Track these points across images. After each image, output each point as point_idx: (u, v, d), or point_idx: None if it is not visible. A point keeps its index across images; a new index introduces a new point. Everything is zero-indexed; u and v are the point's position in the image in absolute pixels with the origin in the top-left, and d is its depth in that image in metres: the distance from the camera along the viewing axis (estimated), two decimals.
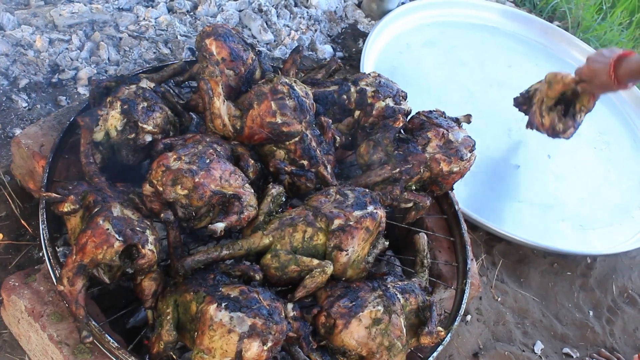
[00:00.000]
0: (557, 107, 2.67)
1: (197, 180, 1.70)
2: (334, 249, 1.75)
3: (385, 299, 1.72)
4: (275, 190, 1.85)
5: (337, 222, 1.76)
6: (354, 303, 1.69)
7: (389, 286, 1.77)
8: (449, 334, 1.92)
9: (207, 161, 1.75)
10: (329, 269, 1.70)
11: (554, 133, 2.70)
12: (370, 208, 1.82)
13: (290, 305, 1.62)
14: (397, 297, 1.75)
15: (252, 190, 1.79)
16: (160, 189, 1.70)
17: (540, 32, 3.89)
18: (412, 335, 1.77)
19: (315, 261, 1.71)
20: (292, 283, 1.75)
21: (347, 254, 1.75)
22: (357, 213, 1.79)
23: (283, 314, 1.56)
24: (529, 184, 2.97)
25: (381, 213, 1.84)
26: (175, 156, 1.74)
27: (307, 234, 1.75)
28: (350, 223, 1.76)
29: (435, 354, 1.87)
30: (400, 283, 1.82)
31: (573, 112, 2.68)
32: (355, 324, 1.67)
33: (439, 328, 1.76)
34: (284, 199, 1.87)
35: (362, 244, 1.78)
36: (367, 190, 1.90)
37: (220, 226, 1.66)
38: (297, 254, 1.73)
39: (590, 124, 3.49)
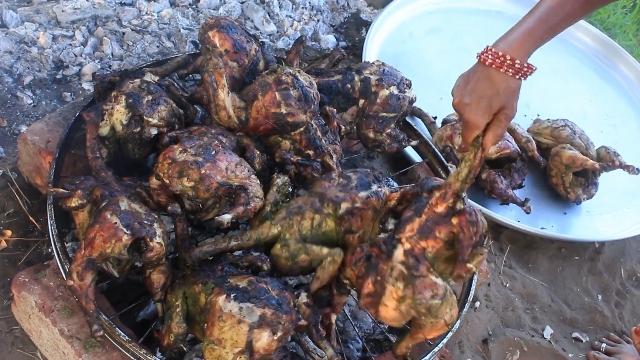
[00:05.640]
0: (579, 179, 2.87)
1: (203, 171, 1.70)
2: (345, 233, 1.75)
3: (407, 265, 1.58)
4: (280, 180, 1.85)
5: (344, 206, 1.75)
6: (375, 289, 1.60)
7: (407, 242, 1.61)
8: (458, 321, 1.92)
9: (213, 153, 1.75)
10: (339, 257, 1.70)
11: (579, 200, 2.94)
12: (375, 187, 1.81)
13: (304, 294, 1.63)
14: (416, 256, 1.58)
15: (258, 181, 1.79)
16: (167, 181, 1.71)
17: None
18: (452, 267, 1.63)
19: (325, 250, 1.70)
20: (303, 273, 1.75)
21: (359, 236, 1.75)
22: (363, 194, 1.79)
23: (292, 303, 1.56)
24: (535, 170, 2.96)
25: (385, 190, 1.83)
26: (180, 148, 1.74)
27: (315, 221, 1.75)
28: (357, 205, 1.76)
29: (444, 341, 1.88)
30: (418, 223, 1.62)
31: (593, 179, 2.91)
32: (384, 310, 1.61)
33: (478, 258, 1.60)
34: (290, 189, 1.87)
35: (371, 223, 1.79)
36: (369, 170, 1.89)
37: (227, 218, 1.66)
38: (306, 242, 1.73)
39: (597, 107, 3.48)
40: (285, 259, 1.72)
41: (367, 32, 3.18)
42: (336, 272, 1.70)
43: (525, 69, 1.55)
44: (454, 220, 1.60)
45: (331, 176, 1.87)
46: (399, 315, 1.60)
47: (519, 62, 1.53)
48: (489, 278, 2.64)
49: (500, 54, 1.54)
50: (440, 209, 1.62)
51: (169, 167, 1.71)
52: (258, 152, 1.90)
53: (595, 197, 2.93)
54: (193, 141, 1.77)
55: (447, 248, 1.60)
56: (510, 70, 1.54)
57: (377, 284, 1.59)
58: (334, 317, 1.75)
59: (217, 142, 1.79)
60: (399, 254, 1.59)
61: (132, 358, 1.63)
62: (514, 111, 1.59)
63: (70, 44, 2.67)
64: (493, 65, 1.54)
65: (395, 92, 2.21)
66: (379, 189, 1.81)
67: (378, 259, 1.60)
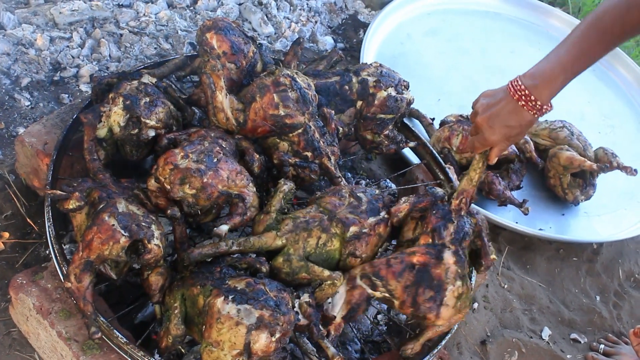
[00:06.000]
0: (577, 180, 2.87)
1: (205, 180, 1.70)
2: (348, 256, 1.76)
3: (459, 265, 1.74)
4: (286, 186, 1.85)
5: (352, 230, 1.76)
6: (436, 293, 1.70)
7: (450, 246, 1.77)
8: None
9: (215, 160, 1.75)
10: (339, 282, 1.71)
11: (577, 202, 2.92)
12: (383, 213, 1.83)
13: (306, 294, 1.63)
14: (462, 255, 1.77)
15: (255, 190, 1.80)
16: (168, 187, 1.71)
17: (542, 16, 3.88)
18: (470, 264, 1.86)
19: (326, 272, 1.70)
20: (301, 285, 1.76)
21: (361, 260, 1.77)
22: (372, 220, 1.80)
23: (290, 304, 1.56)
24: (533, 171, 2.96)
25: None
26: (182, 153, 1.74)
27: (321, 240, 1.74)
28: (365, 230, 1.77)
29: (443, 343, 1.88)
30: (453, 228, 1.80)
31: (591, 180, 2.90)
32: (445, 311, 1.71)
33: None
34: (293, 195, 1.88)
35: (374, 249, 1.80)
36: (379, 194, 1.90)
37: (224, 229, 1.66)
38: (309, 260, 1.73)
39: (595, 108, 3.49)
40: (285, 274, 1.71)
41: (364, 34, 3.18)
42: (334, 293, 1.73)
43: (546, 109, 1.73)
44: (474, 220, 1.85)
45: (342, 193, 1.87)
46: (454, 313, 1.73)
47: (546, 107, 1.71)
48: (487, 279, 2.64)
49: (532, 97, 1.69)
50: (464, 212, 1.85)
51: (171, 173, 1.70)
52: (257, 156, 1.90)
53: (593, 198, 2.93)
54: (194, 146, 1.77)
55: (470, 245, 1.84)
56: (537, 112, 1.71)
57: (435, 288, 1.70)
58: (340, 328, 1.74)
59: (218, 148, 1.79)
60: (448, 256, 1.74)
61: None
62: (524, 137, 1.84)
63: (68, 46, 2.67)
64: (525, 107, 1.70)
65: (393, 93, 2.21)
66: (387, 216, 1.83)
67: (427, 266, 1.71)
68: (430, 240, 1.78)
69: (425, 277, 1.71)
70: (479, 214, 1.88)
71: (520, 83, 1.70)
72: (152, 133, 1.88)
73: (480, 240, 1.84)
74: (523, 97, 1.69)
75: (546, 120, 2.97)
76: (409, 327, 2.03)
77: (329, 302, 1.71)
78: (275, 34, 3.13)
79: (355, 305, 1.72)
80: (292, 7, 3.29)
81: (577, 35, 1.70)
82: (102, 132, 1.87)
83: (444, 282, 1.70)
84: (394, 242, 1.98)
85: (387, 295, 1.73)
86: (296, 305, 1.60)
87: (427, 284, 1.70)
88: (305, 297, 1.62)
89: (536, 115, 1.72)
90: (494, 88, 1.80)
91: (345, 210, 1.81)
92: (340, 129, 2.13)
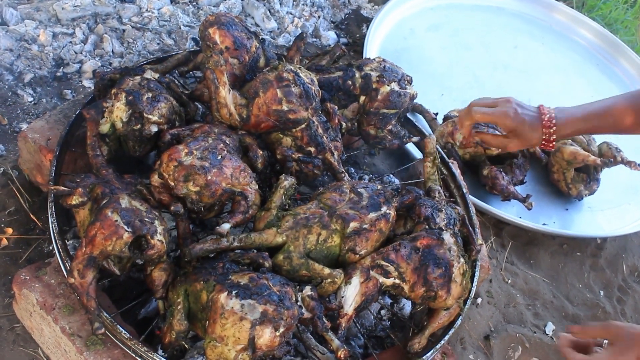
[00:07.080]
0: (581, 175, 2.88)
1: (209, 178, 1.70)
2: (348, 251, 1.76)
3: (458, 245, 1.86)
4: (287, 182, 1.84)
5: (352, 225, 1.76)
6: (444, 270, 1.78)
7: (446, 230, 1.88)
8: (460, 317, 1.92)
9: (219, 157, 1.74)
10: (339, 279, 1.71)
11: (580, 196, 2.94)
12: (384, 209, 1.83)
13: (308, 287, 1.63)
14: (459, 236, 1.90)
15: (257, 187, 1.79)
16: (172, 183, 1.70)
17: (546, 10, 3.87)
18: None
19: (327, 270, 1.70)
20: (302, 281, 1.76)
21: (360, 256, 1.76)
22: (372, 215, 1.79)
23: (294, 299, 1.56)
24: (536, 166, 2.95)
25: (393, 213, 1.85)
26: (186, 150, 1.73)
27: (321, 236, 1.74)
28: (365, 226, 1.77)
29: (446, 337, 1.88)
30: (444, 215, 1.93)
31: (595, 175, 2.92)
32: (454, 287, 1.80)
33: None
34: (294, 190, 1.87)
35: (374, 244, 1.80)
36: (381, 189, 1.89)
37: (226, 227, 1.66)
38: (309, 257, 1.72)
39: None
40: (286, 272, 1.71)
41: (367, 29, 3.18)
42: (335, 291, 1.74)
43: (552, 144, 1.98)
44: (456, 210, 2.00)
45: (342, 189, 1.86)
46: (461, 290, 1.83)
47: (553, 138, 1.96)
48: (491, 274, 2.64)
49: (553, 130, 1.95)
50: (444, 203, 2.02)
51: (175, 170, 1.70)
52: (260, 152, 1.89)
53: (597, 193, 2.93)
54: (198, 142, 1.77)
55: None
56: (546, 138, 1.97)
57: (442, 265, 1.78)
58: (351, 320, 1.74)
59: (222, 144, 1.79)
60: (448, 237, 1.84)
61: (134, 356, 1.63)
62: (513, 148, 2.06)
63: (71, 42, 2.67)
64: (543, 128, 1.95)
65: (396, 88, 2.20)
66: (388, 211, 1.83)
67: (430, 247, 1.80)
68: (427, 227, 1.88)
69: (431, 257, 1.78)
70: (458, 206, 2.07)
71: (552, 116, 1.96)
72: (154, 128, 1.88)
73: (465, 228, 1.95)
74: (546, 126, 1.95)
75: None
76: (412, 322, 2.03)
77: (342, 296, 1.71)
78: (278, 29, 3.12)
79: (369, 297, 1.74)
80: (295, 2, 3.29)
81: (611, 100, 2.00)
82: (104, 127, 1.87)
83: (450, 260, 1.79)
84: None
85: (397, 281, 1.77)
86: (299, 299, 1.60)
87: (435, 262, 1.78)
88: (308, 290, 1.62)
89: (542, 141, 1.97)
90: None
91: (346, 206, 1.80)
92: (344, 124, 2.12)
